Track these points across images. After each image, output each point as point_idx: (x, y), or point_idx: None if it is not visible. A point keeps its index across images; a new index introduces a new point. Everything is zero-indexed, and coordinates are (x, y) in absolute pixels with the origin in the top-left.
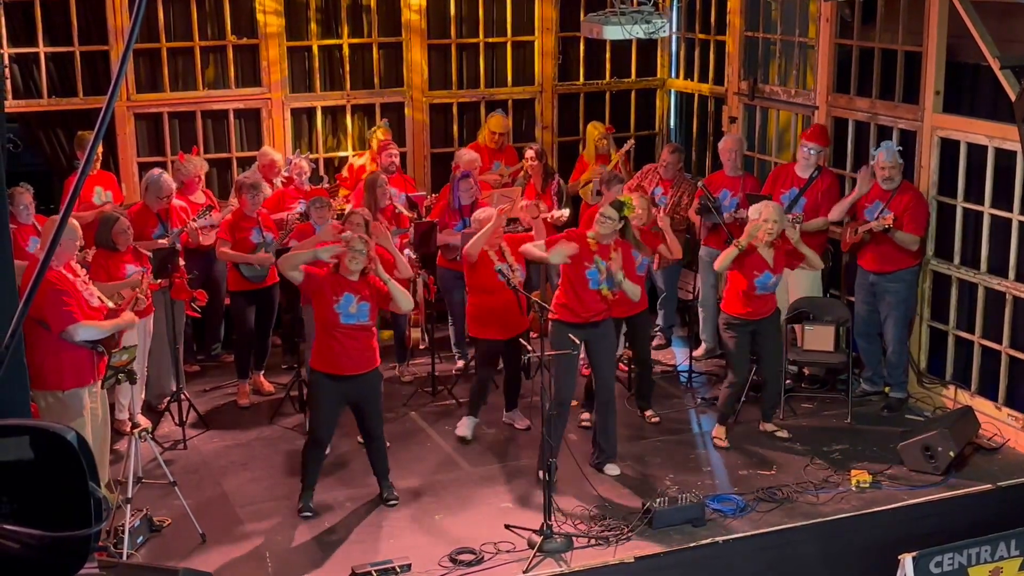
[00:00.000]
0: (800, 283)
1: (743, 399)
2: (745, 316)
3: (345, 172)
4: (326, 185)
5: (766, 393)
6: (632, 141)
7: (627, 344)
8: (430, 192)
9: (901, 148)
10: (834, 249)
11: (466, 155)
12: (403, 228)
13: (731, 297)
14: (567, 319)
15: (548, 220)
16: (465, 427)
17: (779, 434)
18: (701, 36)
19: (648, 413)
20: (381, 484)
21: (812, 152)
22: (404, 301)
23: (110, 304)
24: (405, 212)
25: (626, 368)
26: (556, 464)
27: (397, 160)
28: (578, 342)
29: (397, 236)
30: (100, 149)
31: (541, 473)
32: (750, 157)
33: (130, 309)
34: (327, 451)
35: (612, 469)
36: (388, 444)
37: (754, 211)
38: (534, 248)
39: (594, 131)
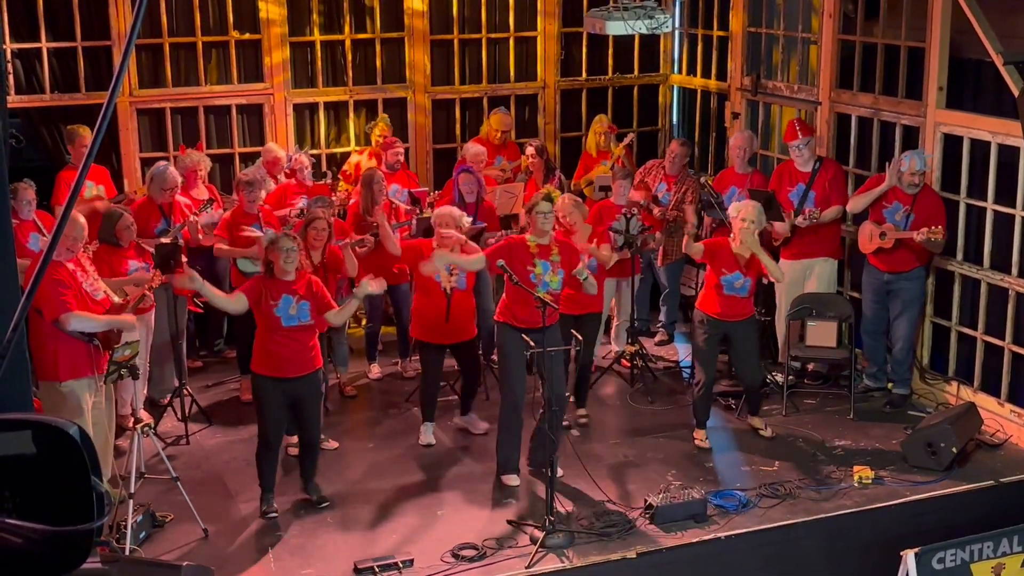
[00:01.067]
0: (820, 277)
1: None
2: (716, 316)
3: (348, 168)
4: (328, 181)
5: (748, 400)
6: (632, 135)
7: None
8: (432, 188)
9: (931, 155)
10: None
11: (472, 148)
12: (402, 222)
13: (705, 294)
14: (511, 323)
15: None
16: (425, 433)
17: (763, 432)
18: (704, 31)
19: (580, 412)
20: (307, 486)
21: (802, 147)
22: (336, 317)
23: (115, 299)
24: (403, 206)
25: (628, 364)
26: (558, 459)
27: (403, 157)
28: (532, 344)
29: (397, 230)
30: (89, 143)
31: (529, 469)
32: (753, 153)
33: (135, 306)
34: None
35: (511, 480)
36: (371, 444)
37: (732, 210)
38: (464, 259)
39: (597, 125)
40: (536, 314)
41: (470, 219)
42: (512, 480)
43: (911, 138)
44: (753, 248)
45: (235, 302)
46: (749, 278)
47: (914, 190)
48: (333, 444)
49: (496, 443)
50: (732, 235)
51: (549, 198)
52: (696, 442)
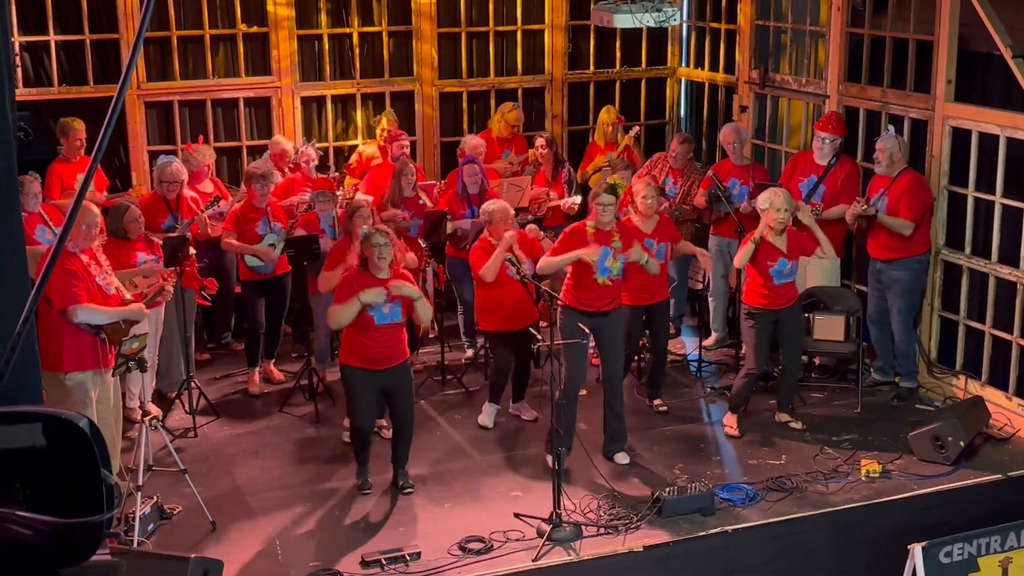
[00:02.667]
0: (817, 272)
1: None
2: (766, 307)
3: (353, 161)
4: (333, 174)
5: (783, 383)
6: (638, 127)
7: (647, 332)
8: (440, 181)
9: (898, 135)
10: (846, 238)
11: (471, 141)
12: (414, 220)
13: (750, 290)
14: (576, 307)
15: (560, 208)
16: (487, 415)
17: (793, 424)
18: (712, 24)
19: (657, 402)
20: (398, 472)
21: (827, 142)
22: (424, 312)
23: (127, 295)
24: (429, 203)
25: (638, 357)
26: (565, 452)
27: (408, 150)
28: (587, 331)
29: (418, 227)
30: (83, 136)
31: (550, 459)
32: (760, 146)
33: (153, 299)
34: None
35: (622, 458)
36: (378, 438)
37: (763, 200)
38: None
39: (605, 115)
40: (599, 299)
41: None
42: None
43: (919, 131)
44: (812, 227)
45: (335, 314)
46: (795, 260)
47: (884, 170)
48: (388, 433)
49: (551, 428)
50: (763, 225)
51: (613, 190)
52: (726, 429)
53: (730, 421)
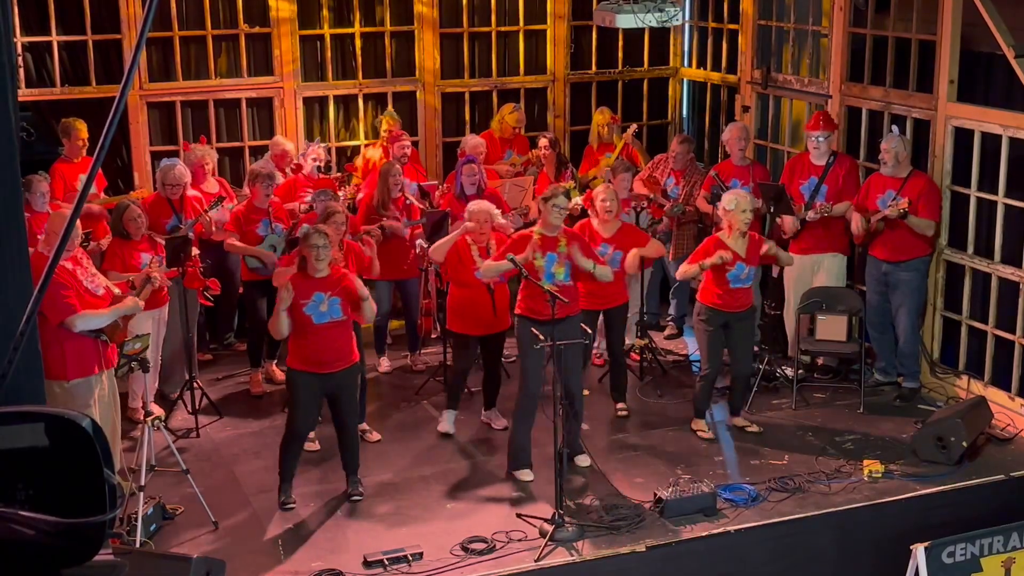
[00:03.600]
0: (827, 272)
1: (755, 389)
2: (719, 307)
3: (358, 162)
4: (335, 175)
5: (734, 390)
6: (634, 126)
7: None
8: (442, 182)
9: (902, 135)
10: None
11: (471, 140)
12: (414, 220)
13: (705, 288)
14: (528, 316)
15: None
16: (446, 421)
17: (749, 429)
18: (714, 25)
19: (619, 406)
20: (349, 479)
21: (821, 140)
22: (368, 312)
23: (116, 291)
24: (416, 203)
25: (638, 357)
26: (568, 453)
27: (409, 151)
28: (542, 337)
29: (408, 227)
30: (85, 137)
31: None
32: (763, 146)
33: (141, 289)
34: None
35: (583, 460)
36: (378, 439)
37: (728, 201)
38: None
39: (599, 116)
40: (546, 304)
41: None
42: (525, 475)
43: (922, 131)
44: (772, 252)
45: (272, 323)
46: (752, 266)
47: (890, 171)
48: (375, 436)
49: (509, 438)
50: (724, 228)
51: (567, 194)
52: (697, 433)
53: (699, 426)
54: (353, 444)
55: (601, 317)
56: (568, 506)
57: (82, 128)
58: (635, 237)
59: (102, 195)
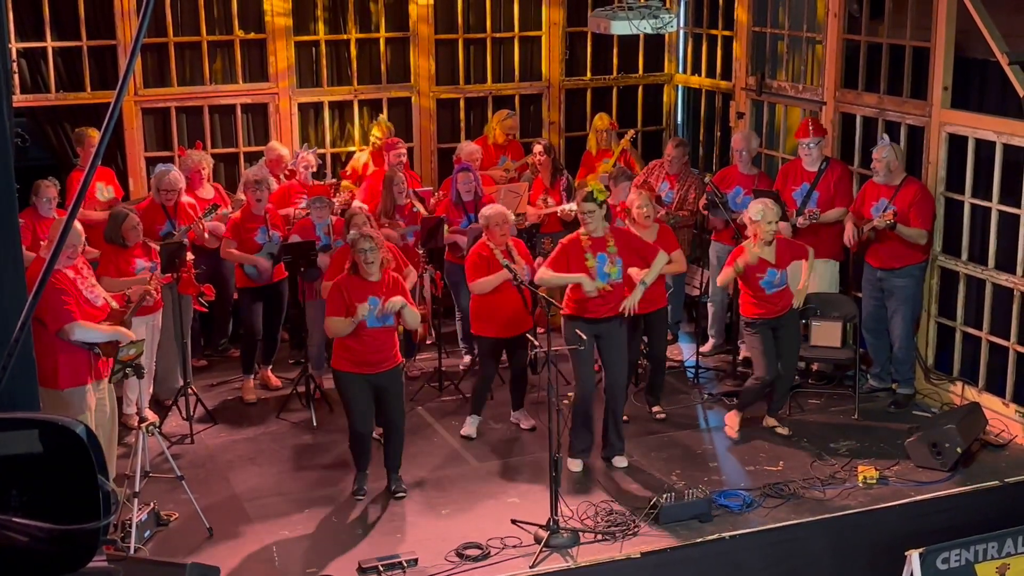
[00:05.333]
0: (818, 278)
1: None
2: (762, 316)
3: (349, 168)
4: (329, 181)
5: (778, 389)
6: (632, 131)
7: (644, 340)
8: (436, 188)
9: (892, 142)
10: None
11: (467, 148)
12: (414, 226)
13: (744, 301)
14: (578, 314)
15: (558, 214)
16: (469, 425)
17: (779, 430)
18: (709, 31)
19: (656, 409)
20: (391, 477)
21: (811, 146)
22: (412, 318)
23: (114, 304)
24: (423, 209)
25: (639, 363)
26: (585, 456)
27: (405, 158)
28: (585, 337)
29: (415, 233)
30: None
31: (572, 462)
32: (758, 153)
33: (135, 308)
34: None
35: (620, 461)
36: (376, 443)
37: (756, 212)
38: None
39: (599, 122)
40: (600, 305)
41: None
42: (575, 466)
43: (916, 138)
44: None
45: (332, 325)
46: (784, 269)
47: (883, 179)
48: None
49: (570, 430)
50: (751, 237)
51: (592, 198)
52: (726, 428)
53: (732, 421)
54: (399, 443)
55: (642, 322)
56: (563, 512)
57: (95, 136)
58: (671, 239)
59: (121, 202)
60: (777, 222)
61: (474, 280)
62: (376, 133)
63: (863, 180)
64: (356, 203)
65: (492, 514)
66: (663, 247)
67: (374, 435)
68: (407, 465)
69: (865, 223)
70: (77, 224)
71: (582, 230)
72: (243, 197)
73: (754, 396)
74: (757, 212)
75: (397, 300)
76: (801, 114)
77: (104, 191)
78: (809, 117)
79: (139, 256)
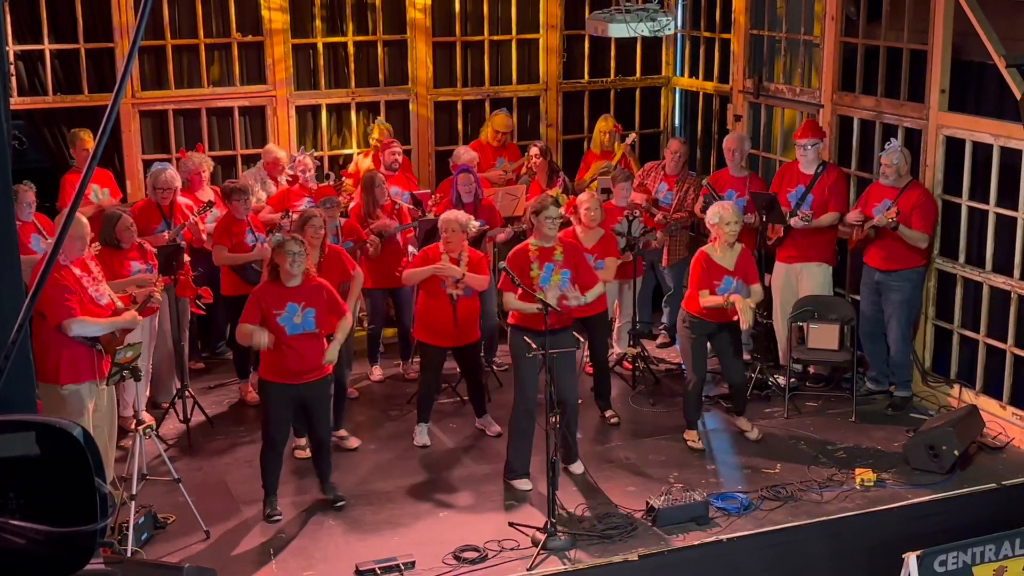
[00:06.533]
0: (810, 282)
1: (748, 396)
2: (703, 317)
3: (352, 169)
4: (332, 182)
5: (734, 401)
6: (634, 135)
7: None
8: (434, 190)
9: (902, 147)
10: (839, 248)
11: (465, 154)
12: (405, 224)
13: (691, 297)
14: (523, 325)
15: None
16: (420, 434)
17: (749, 434)
18: (706, 34)
19: (608, 413)
20: (324, 486)
21: (809, 148)
22: (343, 327)
23: (119, 304)
24: (407, 207)
25: (630, 366)
26: (559, 462)
27: (400, 158)
28: (535, 346)
29: (400, 231)
30: (90, 147)
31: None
32: (755, 155)
33: (143, 305)
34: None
35: (576, 468)
36: (357, 445)
37: (713, 215)
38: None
39: (603, 123)
40: (543, 317)
41: (478, 223)
42: (523, 485)
43: (913, 141)
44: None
45: (253, 333)
46: (739, 279)
47: (890, 182)
48: (355, 442)
49: (507, 446)
50: (711, 241)
51: (557, 203)
52: (688, 443)
53: (690, 436)
54: (326, 453)
55: (582, 327)
56: (560, 515)
57: (88, 138)
58: (613, 246)
59: (117, 203)
60: (738, 223)
61: (408, 270)
62: (375, 135)
63: (860, 183)
64: (352, 204)
65: (489, 517)
66: (604, 252)
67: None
68: (404, 467)
69: (867, 222)
70: (83, 219)
71: (532, 240)
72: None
73: (692, 405)
74: (714, 215)
75: (331, 355)
76: (798, 117)
77: (99, 192)
78: (809, 119)
79: (134, 258)
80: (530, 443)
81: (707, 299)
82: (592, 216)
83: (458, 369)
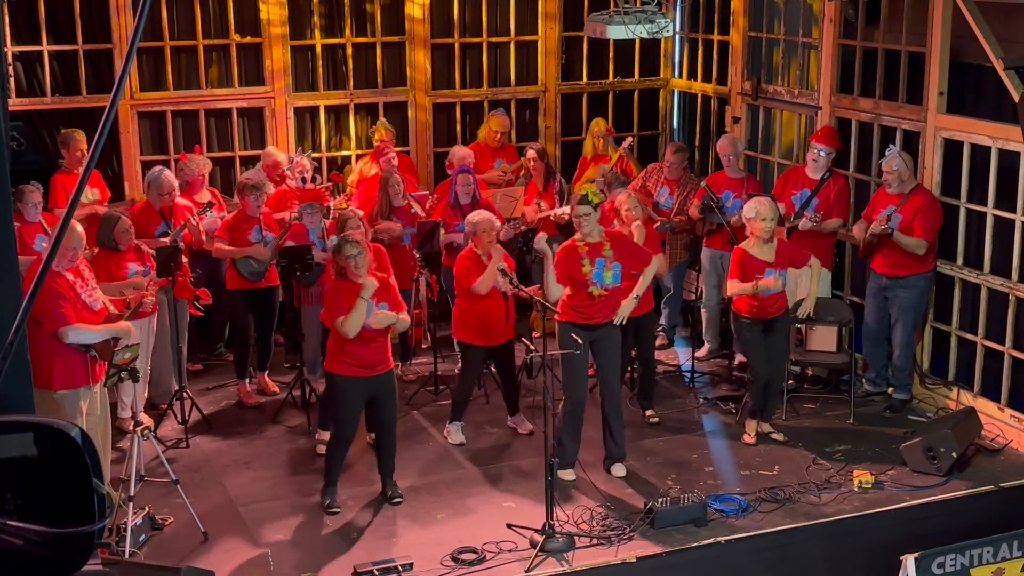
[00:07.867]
0: (807, 283)
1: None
2: (754, 316)
3: (346, 172)
4: (324, 184)
5: (768, 394)
6: (631, 138)
7: (633, 344)
8: (432, 192)
9: (903, 152)
10: (836, 251)
11: (458, 152)
12: (409, 228)
13: (739, 299)
14: (573, 320)
15: (551, 218)
16: (453, 433)
17: (775, 436)
18: (705, 36)
19: (649, 413)
20: (385, 482)
21: (822, 154)
22: (401, 327)
23: (112, 309)
24: (421, 211)
25: (630, 368)
26: (558, 463)
27: (395, 162)
28: (580, 342)
29: (411, 236)
30: (84, 147)
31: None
32: (753, 157)
33: (133, 312)
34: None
35: (618, 470)
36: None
37: (749, 209)
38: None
39: (595, 127)
40: (596, 311)
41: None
42: (568, 475)
43: (912, 143)
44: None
45: (348, 321)
46: (783, 270)
47: (895, 188)
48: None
49: (556, 439)
50: (748, 237)
51: (587, 200)
52: (744, 437)
53: (749, 427)
54: (392, 447)
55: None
56: (559, 516)
57: (81, 138)
58: (657, 243)
59: (106, 205)
60: (774, 219)
61: (471, 282)
62: (378, 136)
63: (858, 186)
64: (349, 207)
65: (487, 518)
66: (654, 249)
67: (368, 440)
68: (402, 469)
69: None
70: (78, 226)
71: (577, 236)
72: (238, 201)
73: (758, 397)
74: (751, 210)
75: (383, 317)
76: (796, 119)
77: (88, 193)
78: (830, 126)
79: (131, 260)
80: (578, 435)
81: (735, 286)
82: (634, 215)
83: (456, 370)
